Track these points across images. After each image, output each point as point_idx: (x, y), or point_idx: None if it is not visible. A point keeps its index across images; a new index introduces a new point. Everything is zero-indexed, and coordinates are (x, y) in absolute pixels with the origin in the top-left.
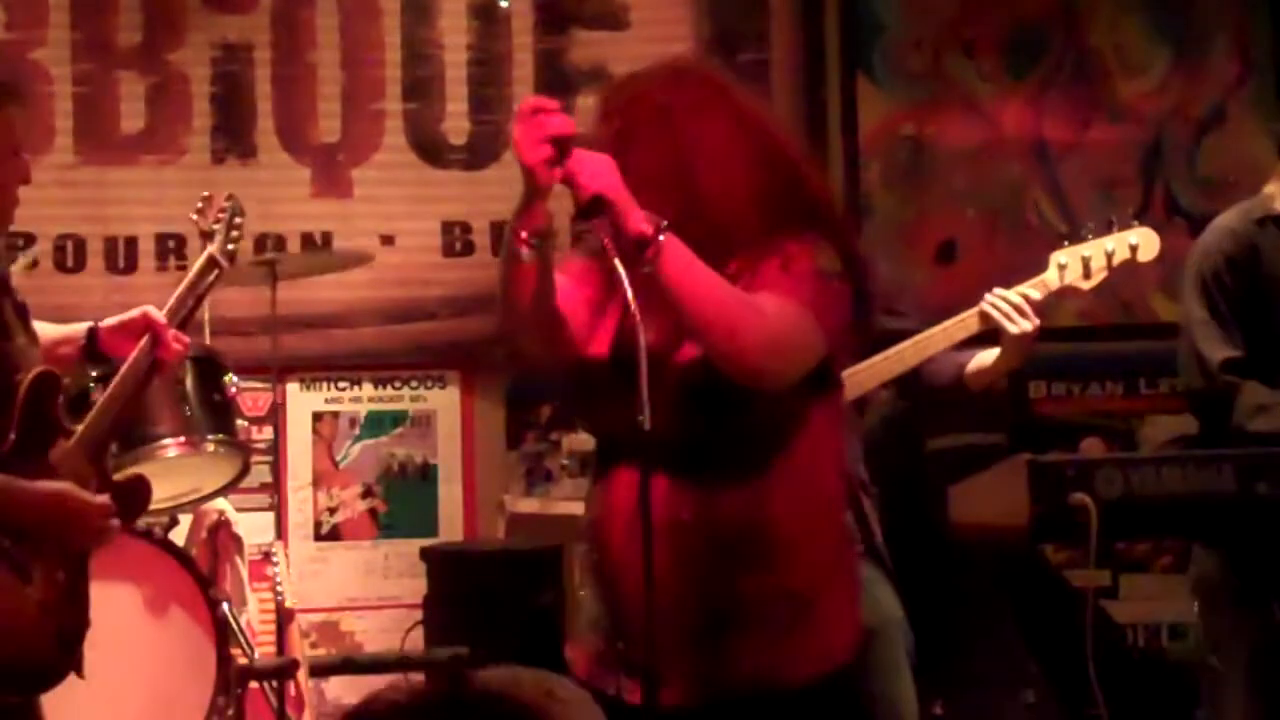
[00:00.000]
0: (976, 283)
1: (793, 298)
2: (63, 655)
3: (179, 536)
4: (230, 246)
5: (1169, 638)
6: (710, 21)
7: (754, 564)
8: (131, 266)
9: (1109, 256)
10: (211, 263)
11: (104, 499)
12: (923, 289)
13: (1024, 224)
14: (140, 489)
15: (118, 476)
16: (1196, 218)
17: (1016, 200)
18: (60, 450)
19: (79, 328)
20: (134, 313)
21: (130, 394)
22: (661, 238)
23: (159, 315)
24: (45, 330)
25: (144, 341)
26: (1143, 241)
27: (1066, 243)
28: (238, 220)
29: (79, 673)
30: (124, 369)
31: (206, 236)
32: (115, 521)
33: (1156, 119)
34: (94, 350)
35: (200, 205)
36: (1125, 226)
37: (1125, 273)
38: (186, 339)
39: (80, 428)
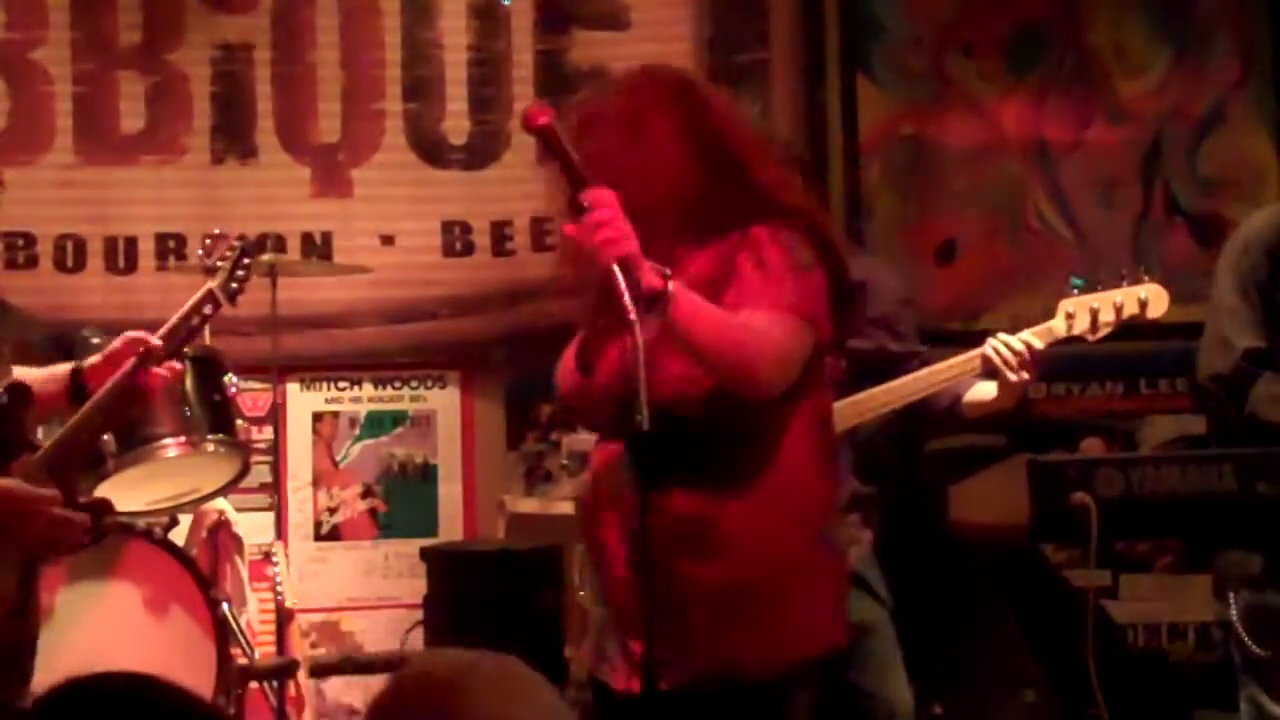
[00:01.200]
0: (976, 283)
1: (777, 303)
2: (8, 671)
3: (179, 536)
4: (234, 285)
5: (1169, 638)
6: (710, 21)
7: (700, 553)
8: (131, 266)
9: (1117, 310)
10: (210, 297)
11: (53, 492)
12: (923, 289)
13: (1024, 224)
14: (101, 511)
15: (83, 499)
16: (1196, 218)
17: (1016, 200)
18: (23, 463)
19: (62, 369)
20: (116, 343)
21: (105, 415)
22: (671, 287)
23: (143, 335)
24: (28, 374)
25: (130, 363)
26: (1152, 298)
27: (1076, 291)
28: (245, 261)
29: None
30: (103, 389)
31: (209, 272)
32: (72, 516)
33: (1156, 119)
34: (80, 390)
35: (208, 240)
36: (1136, 281)
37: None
38: (178, 366)
39: (48, 443)
